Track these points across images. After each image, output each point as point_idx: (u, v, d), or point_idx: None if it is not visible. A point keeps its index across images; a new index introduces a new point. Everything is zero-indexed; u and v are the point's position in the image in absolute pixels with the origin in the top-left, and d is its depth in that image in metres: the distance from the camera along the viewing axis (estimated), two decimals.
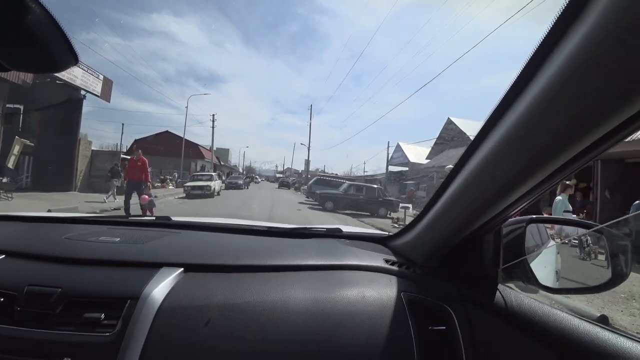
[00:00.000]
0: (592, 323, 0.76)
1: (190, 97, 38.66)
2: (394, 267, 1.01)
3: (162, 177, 27.00)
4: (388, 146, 39.54)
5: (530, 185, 0.64)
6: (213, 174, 20.51)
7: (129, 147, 35.91)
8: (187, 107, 32.36)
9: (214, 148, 71.11)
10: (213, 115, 34.36)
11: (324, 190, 18.53)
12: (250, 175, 76.74)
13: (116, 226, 1.34)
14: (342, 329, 0.79)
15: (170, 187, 23.89)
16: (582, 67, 0.43)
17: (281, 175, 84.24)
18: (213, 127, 34.16)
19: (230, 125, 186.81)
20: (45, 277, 0.86)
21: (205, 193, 18.14)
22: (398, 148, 39.40)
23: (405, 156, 37.61)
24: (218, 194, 21.00)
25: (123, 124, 33.43)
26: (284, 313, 0.80)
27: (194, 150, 36.13)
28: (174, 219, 1.45)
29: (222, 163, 54.01)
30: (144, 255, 0.97)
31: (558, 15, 0.45)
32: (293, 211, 15.21)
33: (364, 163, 74.28)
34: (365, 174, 51.42)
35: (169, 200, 16.37)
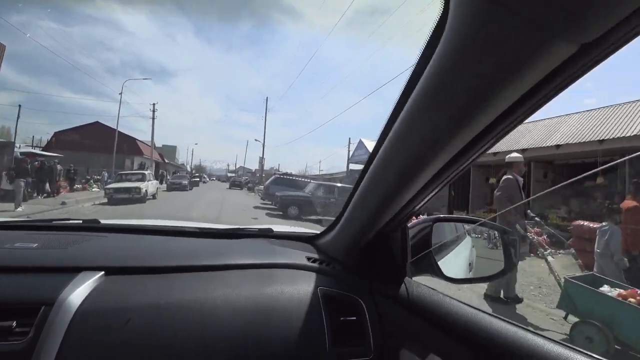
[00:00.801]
0: (475, 308, 0.83)
1: (125, 81, 33.85)
2: (314, 264, 1.09)
3: (88, 177, 22.48)
4: (349, 143, 37.38)
5: (421, 184, 0.75)
6: (146, 172, 16.74)
7: (48, 140, 30.43)
8: (121, 93, 27.73)
9: (160, 145, 65.79)
10: (153, 104, 30.01)
11: (285, 192, 15.10)
12: (198, 174, 71.77)
13: (37, 231, 1.26)
14: (261, 322, 0.85)
15: (94, 190, 19.59)
16: (444, 80, 0.52)
17: (233, 175, 79.87)
18: (153, 119, 29.85)
19: (179, 122, 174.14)
20: None
21: (134, 197, 14.42)
22: (360, 145, 36.93)
23: (369, 153, 35.18)
24: (153, 197, 17.27)
25: (20, 106, 25.42)
26: (203, 312, 0.83)
27: (130, 145, 31.32)
28: (103, 221, 1.41)
29: (167, 161, 48.85)
30: (62, 260, 0.95)
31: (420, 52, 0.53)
32: (247, 219, 12.13)
33: (320, 162, 73.16)
34: (321, 172, 49.17)
35: (82, 208, 12.69)
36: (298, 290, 0.96)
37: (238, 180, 44.09)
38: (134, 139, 31.95)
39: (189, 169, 78.74)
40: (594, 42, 0.40)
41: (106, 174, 24.27)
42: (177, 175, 31.46)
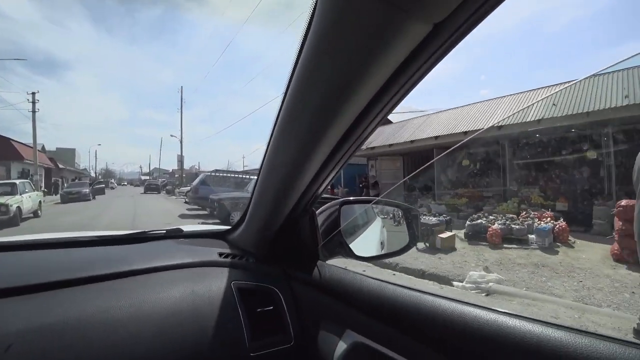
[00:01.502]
0: (384, 281, 0.83)
1: None
2: (227, 260, 1.07)
3: None
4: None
5: (315, 168, 0.78)
6: (17, 182, 12.20)
7: None
8: None
9: (53, 148, 55.48)
10: (33, 93, 23.59)
11: (223, 194, 11.64)
12: (104, 180, 63.21)
13: None
14: (169, 327, 0.81)
15: None
16: (312, 74, 0.59)
17: (147, 177, 72.29)
18: (34, 111, 23.50)
19: (77, 122, 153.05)
20: None
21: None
22: None
23: None
24: (35, 214, 12.67)
25: None
26: (104, 324, 0.77)
27: (2, 147, 24.43)
28: None
29: (62, 167, 40.73)
30: None
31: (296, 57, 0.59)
32: None
33: (243, 157, 70.11)
34: (246, 168, 45.68)
35: None
36: (210, 288, 0.94)
37: (154, 183, 38.32)
38: (7, 140, 24.84)
39: (93, 174, 68.69)
40: (446, 21, 0.45)
41: None
42: (74, 183, 25.47)
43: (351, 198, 1.16)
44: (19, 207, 10.86)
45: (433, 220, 7.43)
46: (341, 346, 0.84)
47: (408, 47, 0.49)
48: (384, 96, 0.58)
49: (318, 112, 0.64)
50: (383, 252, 1.37)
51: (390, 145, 14.69)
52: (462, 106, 14.08)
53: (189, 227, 1.39)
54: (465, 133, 11.49)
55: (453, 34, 0.47)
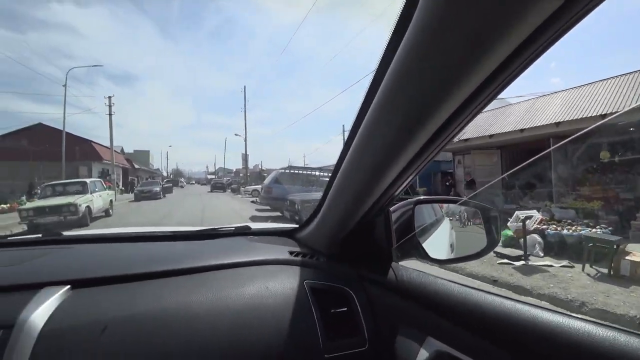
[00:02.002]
0: (466, 286, 0.79)
1: (70, 70, 27.81)
2: (298, 258, 1.06)
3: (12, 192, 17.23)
4: (344, 130, 32.95)
5: (399, 169, 0.72)
6: (87, 181, 11.66)
7: None
8: (65, 85, 22.23)
9: (131, 151, 59.44)
10: (109, 97, 24.51)
11: (306, 196, 9.59)
12: (174, 178, 66.40)
13: None
14: (246, 322, 0.81)
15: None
16: (412, 64, 0.50)
17: (213, 177, 74.88)
18: (110, 114, 24.42)
19: (151, 127, 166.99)
20: None
21: (66, 219, 9.49)
22: None
23: None
24: (106, 213, 12.30)
25: None
26: (185, 317, 0.79)
27: (85, 149, 25.75)
28: (65, 233, 1.34)
29: (137, 167, 43.02)
30: (19, 277, 0.87)
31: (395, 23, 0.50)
32: None
33: (304, 156, 70.75)
34: (307, 165, 44.48)
35: None
36: (284, 286, 0.92)
37: (220, 182, 38.76)
38: (89, 142, 26.25)
39: (165, 173, 72.87)
40: None
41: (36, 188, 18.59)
42: (147, 182, 26.10)
43: (426, 197, 1.11)
44: (88, 207, 10.38)
45: (610, 235, 5.23)
46: (423, 354, 0.79)
47: (525, 32, 0.42)
48: (487, 88, 0.51)
49: (412, 111, 0.58)
50: (453, 254, 1.21)
51: (491, 136, 12.12)
52: (583, 85, 11.19)
53: (256, 224, 1.41)
54: (603, 116, 8.89)
55: (584, 7, 0.39)
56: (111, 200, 13.00)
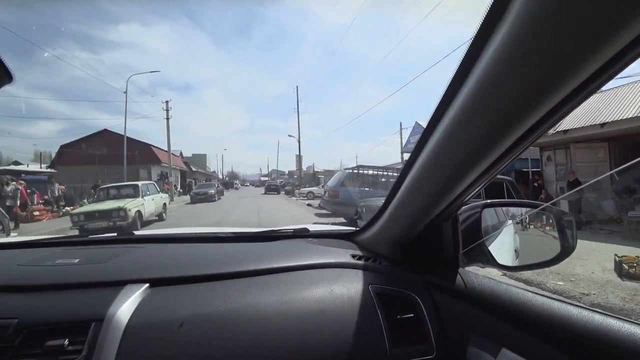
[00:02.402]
0: (545, 296, 0.75)
1: (130, 76, 28.76)
2: (360, 262, 1.03)
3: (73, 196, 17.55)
4: (401, 128, 30.85)
5: (481, 170, 0.67)
6: (139, 184, 10.88)
7: (55, 155, 26.14)
8: (126, 91, 22.68)
9: (189, 155, 61.65)
10: (167, 102, 24.81)
11: (378, 199, 7.30)
12: (228, 181, 67.73)
13: (73, 247, 1.26)
14: (313, 326, 0.81)
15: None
16: (513, 55, 0.45)
17: (266, 178, 75.66)
18: (167, 118, 24.65)
19: (208, 133, 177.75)
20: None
21: (116, 224, 8.80)
22: (417, 129, 30.16)
23: None
24: (160, 217, 11.67)
25: None
26: (256, 318, 0.80)
27: (145, 153, 26.34)
28: (137, 233, 1.47)
29: (194, 169, 44.15)
30: (106, 274, 0.93)
31: (487, 12, 0.47)
32: None
33: (357, 157, 70.26)
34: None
35: None
36: (348, 290, 0.91)
37: (274, 184, 38.16)
38: (148, 146, 26.93)
39: (220, 176, 74.97)
40: None
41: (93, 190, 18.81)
42: (202, 184, 26.02)
43: (493, 200, 1.08)
44: (139, 212, 9.67)
45: None
46: None
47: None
48: (583, 89, 0.46)
49: (499, 115, 0.54)
50: (518, 261, 1.18)
51: (603, 124, 9.53)
52: None
53: (314, 226, 1.41)
54: None
55: None
56: (165, 204, 12.34)
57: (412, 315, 0.88)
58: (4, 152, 41.41)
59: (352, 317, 0.84)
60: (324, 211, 13.87)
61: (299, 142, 34.01)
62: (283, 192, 35.66)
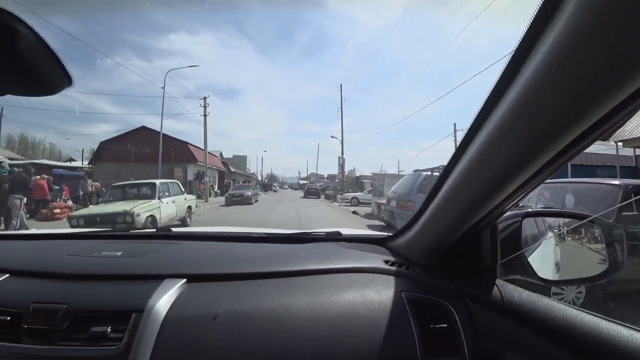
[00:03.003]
0: (592, 314, 0.72)
1: (169, 71, 27.56)
2: (393, 268, 1.01)
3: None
4: (455, 130, 27.76)
5: (526, 177, 0.63)
6: (157, 183, 8.89)
7: (94, 151, 25.72)
8: (163, 87, 21.56)
9: (230, 156, 61.34)
10: (204, 98, 23.46)
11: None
12: (267, 183, 66.85)
13: (116, 240, 1.34)
14: (343, 329, 0.80)
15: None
16: (568, 54, 0.43)
17: (305, 182, 74.29)
18: (205, 115, 23.28)
19: (249, 136, 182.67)
20: (50, 294, 0.87)
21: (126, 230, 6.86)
22: None
23: None
24: (183, 222, 9.82)
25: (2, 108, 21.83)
26: (287, 318, 0.80)
27: (181, 151, 25.19)
28: (174, 230, 1.49)
29: (233, 170, 43.24)
30: (146, 268, 0.98)
31: (538, 10, 0.46)
32: None
33: (398, 162, 68.35)
34: (401, 172, 39.83)
35: None
36: (380, 295, 0.89)
37: (314, 187, 35.88)
38: (185, 144, 25.77)
39: (260, 177, 74.37)
40: None
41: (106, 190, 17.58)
42: (238, 186, 24.41)
43: (536, 210, 1.06)
44: (152, 216, 7.78)
45: None
46: None
47: None
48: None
49: (550, 118, 0.51)
50: (559, 275, 1.13)
51: None
52: None
53: (347, 230, 1.39)
54: None
55: None
56: (190, 207, 10.46)
57: (445, 325, 0.85)
58: (64, 151, 43.33)
59: (383, 323, 0.82)
60: (376, 222, 11.48)
61: (341, 143, 31.76)
62: (323, 197, 33.55)
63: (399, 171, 43.00)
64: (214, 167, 31.03)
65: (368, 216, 15.37)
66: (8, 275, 0.95)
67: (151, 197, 8.30)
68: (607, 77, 0.42)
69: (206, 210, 16.71)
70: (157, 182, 8.81)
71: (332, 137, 32.01)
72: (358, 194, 23.53)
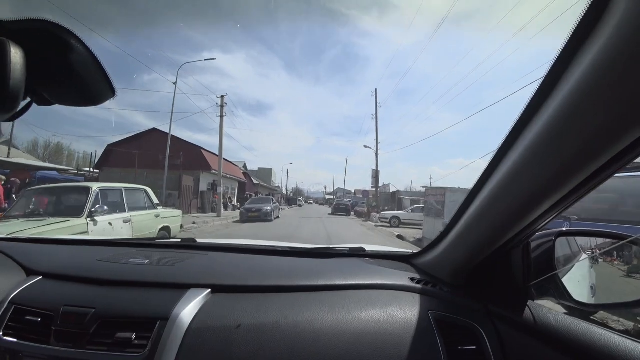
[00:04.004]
0: (636, 341, 0.68)
1: (182, 65, 25.41)
2: (419, 286, 0.99)
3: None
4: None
5: (560, 196, 0.61)
6: (94, 188, 4.91)
7: (101, 154, 22.97)
8: (175, 82, 18.55)
9: (255, 168, 58.61)
10: (222, 97, 20.16)
11: None
12: (292, 197, 63.91)
13: (144, 248, 1.36)
14: (368, 347, 0.78)
15: None
16: (605, 73, 0.43)
17: (332, 197, 70.60)
18: (222, 116, 19.95)
19: (276, 150, 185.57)
20: (80, 298, 0.89)
21: None
22: None
23: None
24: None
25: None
26: (311, 333, 0.79)
27: (193, 157, 21.87)
28: (199, 240, 1.49)
29: (256, 182, 39.97)
30: (172, 277, 0.99)
31: (576, 25, 0.45)
32: None
33: (430, 178, 64.66)
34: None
35: None
36: (406, 313, 0.86)
37: (343, 203, 31.54)
38: (199, 149, 22.38)
39: (284, 191, 71.06)
40: None
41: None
42: (257, 199, 20.53)
43: (570, 229, 0.98)
44: None
45: None
46: None
47: None
48: None
49: (586, 136, 0.49)
50: (594, 299, 1.03)
51: None
52: None
53: (370, 247, 1.37)
54: None
55: None
56: (166, 227, 6.72)
57: (474, 347, 0.81)
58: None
59: (408, 343, 0.79)
60: None
61: (376, 154, 27.68)
62: (353, 214, 29.45)
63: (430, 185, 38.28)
64: (232, 177, 27.68)
65: (418, 242, 11.33)
66: (41, 277, 1.00)
67: (76, 213, 4.64)
68: (629, 111, 0.42)
69: (212, 228, 13.12)
70: (95, 187, 5.06)
71: (365, 146, 27.90)
72: (399, 213, 19.37)
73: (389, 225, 18.18)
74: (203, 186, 21.92)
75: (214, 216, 18.61)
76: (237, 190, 30.89)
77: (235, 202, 28.66)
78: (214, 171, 21.61)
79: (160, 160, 18.97)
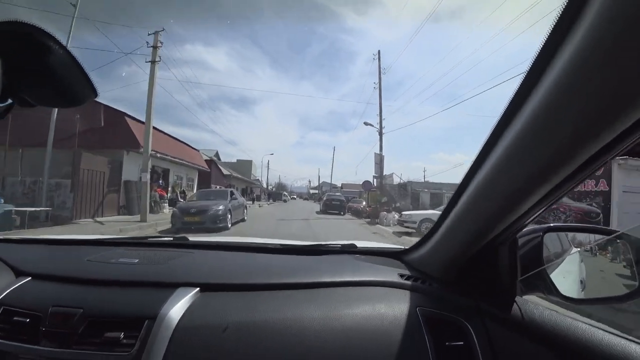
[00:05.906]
0: (620, 335, 0.70)
1: (160, 31, 14.23)
2: (409, 282, 0.99)
3: None
4: None
5: (546, 190, 0.61)
6: None
7: None
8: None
9: (234, 160, 50.91)
10: (156, 32, 12.75)
11: None
12: (276, 192, 57.55)
13: (134, 247, 1.34)
14: (357, 345, 0.78)
15: None
16: (589, 64, 0.42)
17: (316, 192, 64.00)
18: (154, 62, 12.54)
19: (259, 144, 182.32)
20: (68, 298, 0.88)
21: None
22: None
23: None
24: None
25: None
26: (299, 330, 0.79)
27: (111, 128, 14.09)
28: (190, 238, 1.48)
29: (227, 173, 32.42)
30: (161, 276, 0.98)
31: (560, 13, 0.44)
32: None
33: (424, 170, 60.52)
34: (426, 181, 28.70)
35: None
36: (394, 310, 0.86)
37: (336, 199, 24.29)
38: (122, 115, 14.21)
39: (265, 185, 63.65)
40: None
41: None
42: (202, 192, 13.12)
43: (557, 225, 1.00)
44: None
45: None
46: None
47: None
48: None
49: (574, 126, 0.49)
50: (584, 293, 1.05)
51: None
52: None
53: (362, 243, 1.37)
54: None
55: None
56: None
57: (461, 343, 0.81)
58: None
59: (396, 339, 0.79)
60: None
61: (380, 134, 20.68)
62: (349, 214, 22.54)
63: (424, 178, 32.03)
64: (187, 163, 20.12)
65: None
66: (30, 278, 0.98)
67: None
68: (634, 87, 0.40)
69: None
70: None
71: (365, 123, 20.75)
72: (430, 213, 12.42)
73: (415, 231, 11.35)
74: (129, 174, 14.44)
75: (138, 221, 11.42)
76: (196, 181, 23.44)
77: (189, 197, 21.24)
78: (159, 154, 13.96)
79: (57, 132, 11.52)
